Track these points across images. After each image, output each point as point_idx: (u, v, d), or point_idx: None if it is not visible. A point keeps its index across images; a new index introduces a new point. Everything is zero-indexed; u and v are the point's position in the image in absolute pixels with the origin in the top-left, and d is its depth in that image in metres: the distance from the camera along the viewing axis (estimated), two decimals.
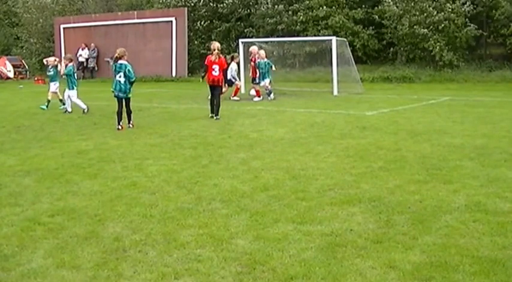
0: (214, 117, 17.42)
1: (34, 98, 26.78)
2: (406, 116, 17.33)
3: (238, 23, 38.19)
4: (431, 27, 30.99)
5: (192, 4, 38.32)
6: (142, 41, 36.91)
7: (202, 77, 19.27)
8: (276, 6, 35.63)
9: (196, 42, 38.38)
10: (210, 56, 18.22)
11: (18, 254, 6.27)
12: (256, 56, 24.50)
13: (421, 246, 6.20)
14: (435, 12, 30.75)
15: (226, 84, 22.70)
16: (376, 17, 33.67)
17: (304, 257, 5.97)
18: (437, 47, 30.85)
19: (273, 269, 5.69)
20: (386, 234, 6.64)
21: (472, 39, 32.10)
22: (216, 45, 18.54)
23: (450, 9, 30.54)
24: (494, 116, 16.97)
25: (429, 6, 30.99)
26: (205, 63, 18.38)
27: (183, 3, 38.36)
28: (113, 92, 16.10)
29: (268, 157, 11.41)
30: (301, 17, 34.76)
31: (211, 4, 38.38)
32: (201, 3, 38.39)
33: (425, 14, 30.95)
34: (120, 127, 15.64)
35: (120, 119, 15.77)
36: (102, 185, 9.34)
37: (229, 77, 23.82)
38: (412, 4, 31.55)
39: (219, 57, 18.15)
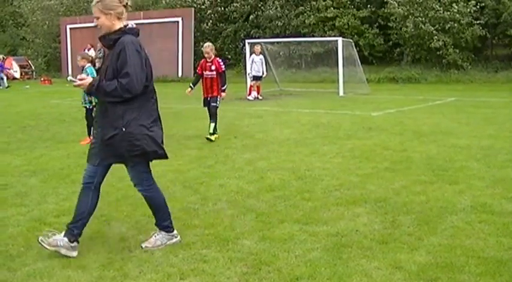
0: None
1: (40, 98, 26.86)
2: (412, 116, 17.31)
3: (246, 23, 38.20)
4: (437, 26, 30.94)
5: (199, 5, 38.30)
6: (148, 41, 36.83)
7: None
8: (283, 9, 35.66)
9: (202, 43, 38.32)
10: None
11: (24, 254, 6.28)
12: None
13: (426, 247, 6.20)
14: (441, 10, 30.70)
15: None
16: (382, 17, 33.75)
17: (310, 258, 5.97)
18: (443, 44, 30.81)
19: (279, 270, 5.68)
20: (392, 234, 6.63)
21: (477, 39, 32.02)
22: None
23: (456, 10, 30.50)
24: (500, 116, 16.94)
25: (434, 4, 30.97)
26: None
27: (190, 4, 38.37)
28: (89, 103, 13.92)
29: (274, 157, 11.42)
30: (311, 18, 34.76)
31: (219, 7, 38.37)
32: (208, 5, 38.39)
33: (432, 13, 30.88)
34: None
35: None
36: (108, 186, 9.29)
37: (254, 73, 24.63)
38: (416, 6, 31.52)
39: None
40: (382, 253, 6.05)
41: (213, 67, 14.13)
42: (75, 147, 13.11)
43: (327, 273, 5.57)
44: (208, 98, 14.16)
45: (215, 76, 14.14)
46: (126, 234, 6.87)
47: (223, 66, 14.38)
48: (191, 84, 14.89)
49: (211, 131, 13.72)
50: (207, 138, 13.57)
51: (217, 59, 14.40)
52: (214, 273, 5.66)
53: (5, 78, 36.52)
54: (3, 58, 40.26)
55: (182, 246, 6.42)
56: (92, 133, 13.59)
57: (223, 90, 14.29)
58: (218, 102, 14.19)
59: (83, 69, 13.99)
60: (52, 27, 44.20)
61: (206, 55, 14.33)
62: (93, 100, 13.67)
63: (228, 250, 6.26)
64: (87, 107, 13.96)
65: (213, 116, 13.92)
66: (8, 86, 35.04)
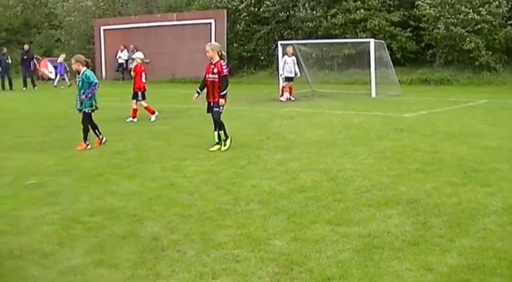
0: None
1: (72, 98, 27.04)
2: (444, 118, 17.22)
3: (279, 25, 38.18)
4: (468, 27, 30.71)
5: (235, 6, 38.36)
6: (181, 43, 36.98)
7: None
8: (315, 12, 35.61)
9: (235, 44, 38.39)
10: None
11: (58, 252, 6.38)
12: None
13: (458, 249, 6.18)
14: (471, 11, 30.45)
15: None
16: (414, 18, 33.58)
17: (341, 258, 5.99)
18: (475, 46, 30.56)
19: (310, 270, 5.71)
20: (423, 236, 6.63)
21: (510, 40, 31.72)
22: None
23: (485, 12, 30.24)
24: None
25: (464, 7, 30.70)
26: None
27: (225, 5, 38.43)
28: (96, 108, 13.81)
29: (305, 158, 11.43)
30: (340, 20, 34.68)
31: (252, 8, 38.40)
32: (242, 6, 38.44)
33: (462, 15, 30.65)
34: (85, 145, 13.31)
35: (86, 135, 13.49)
36: (141, 185, 9.43)
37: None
38: (447, 7, 31.31)
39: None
40: (413, 254, 6.05)
41: (215, 70, 12.90)
42: (107, 147, 13.23)
43: (358, 274, 5.59)
44: (212, 104, 13.01)
45: (217, 80, 12.92)
46: (159, 234, 6.93)
47: (225, 70, 12.98)
48: (198, 89, 13.49)
49: (216, 140, 12.90)
50: (219, 148, 12.75)
51: (221, 62, 12.97)
52: (246, 273, 5.70)
53: (66, 77, 37.21)
54: (38, 59, 40.75)
55: (214, 246, 6.47)
56: (87, 138, 13.33)
57: (222, 96, 12.95)
58: (221, 108, 13.02)
59: (78, 73, 13.43)
60: (87, 29, 44.52)
61: (208, 54, 13.14)
62: (93, 103, 13.53)
63: (260, 250, 6.29)
64: (86, 110, 13.47)
65: (215, 123, 12.97)
66: (70, 85, 35.33)
